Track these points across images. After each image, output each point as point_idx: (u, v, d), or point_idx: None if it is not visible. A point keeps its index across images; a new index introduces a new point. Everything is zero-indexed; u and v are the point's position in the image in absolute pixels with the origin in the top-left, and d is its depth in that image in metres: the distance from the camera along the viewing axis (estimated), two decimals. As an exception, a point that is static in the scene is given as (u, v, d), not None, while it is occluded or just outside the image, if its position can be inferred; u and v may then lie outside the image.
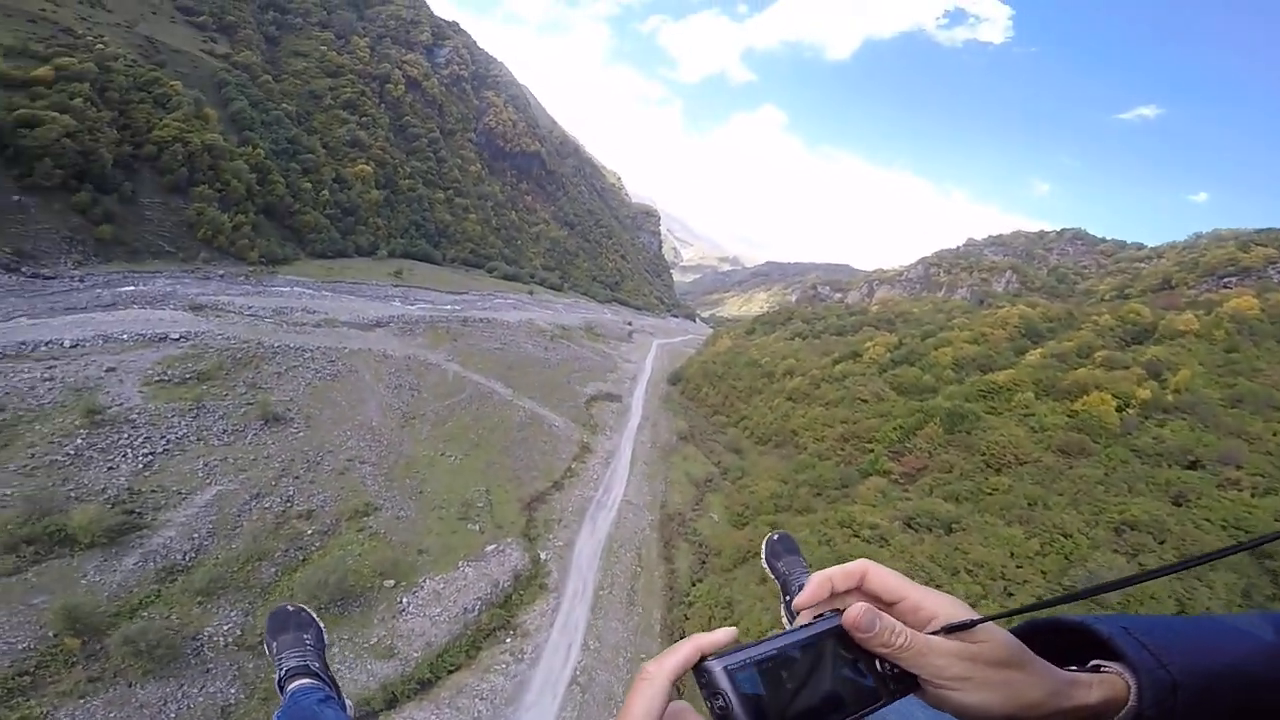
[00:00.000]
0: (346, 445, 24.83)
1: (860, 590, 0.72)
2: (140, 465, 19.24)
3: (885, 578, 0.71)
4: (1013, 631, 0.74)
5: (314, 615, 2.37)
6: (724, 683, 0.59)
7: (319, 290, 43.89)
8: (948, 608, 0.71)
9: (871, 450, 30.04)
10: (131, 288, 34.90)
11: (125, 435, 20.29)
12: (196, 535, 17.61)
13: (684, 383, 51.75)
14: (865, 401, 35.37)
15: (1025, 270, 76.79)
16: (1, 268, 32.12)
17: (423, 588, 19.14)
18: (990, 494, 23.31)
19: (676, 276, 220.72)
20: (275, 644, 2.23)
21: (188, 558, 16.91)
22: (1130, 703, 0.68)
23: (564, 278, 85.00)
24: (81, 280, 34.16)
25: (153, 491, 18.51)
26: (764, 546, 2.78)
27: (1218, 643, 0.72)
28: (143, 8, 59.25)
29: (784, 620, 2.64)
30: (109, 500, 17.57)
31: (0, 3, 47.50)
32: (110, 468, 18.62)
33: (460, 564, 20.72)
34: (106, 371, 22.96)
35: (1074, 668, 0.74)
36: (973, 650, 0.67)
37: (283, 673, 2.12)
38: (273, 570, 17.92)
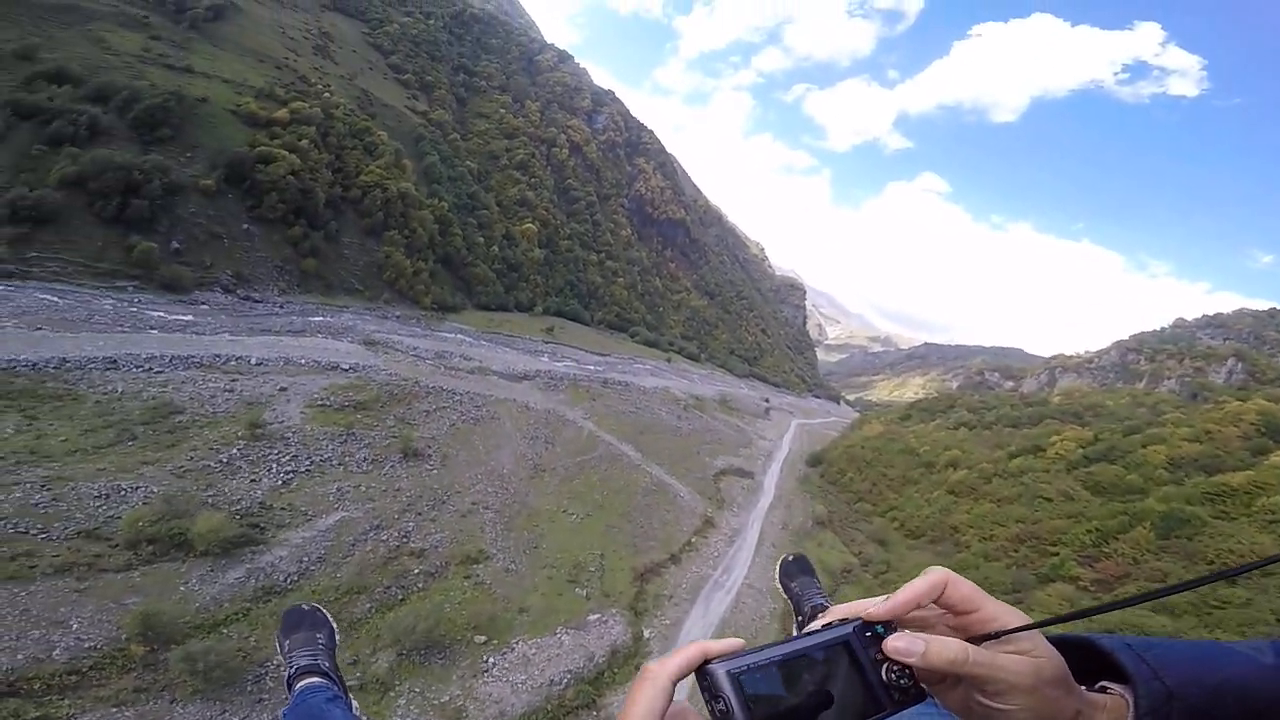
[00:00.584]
0: (474, 489, 25.06)
1: (939, 600, 0.74)
2: (280, 481, 20.03)
3: (963, 589, 0.73)
4: None
5: (328, 615, 2.38)
6: (726, 686, 0.61)
7: (478, 339, 45.76)
8: (1019, 620, 0.73)
9: (1056, 554, 28.65)
10: (320, 318, 37.66)
11: (276, 451, 21.42)
12: (306, 559, 17.63)
13: (825, 465, 49.51)
14: (1049, 500, 33.56)
15: (1253, 357, 66.66)
16: (222, 288, 36.31)
17: (513, 649, 18.12)
18: (1221, 607, 20.70)
19: (820, 355, 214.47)
20: (288, 642, 2.25)
21: (289, 580, 16.76)
22: (1129, 717, 0.70)
23: (702, 348, 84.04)
24: (282, 307, 37.48)
25: (282, 509, 18.97)
26: (778, 567, 2.81)
27: (1215, 662, 0.73)
28: (362, 63, 67.03)
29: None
30: (239, 511, 18.00)
31: (256, 49, 55.10)
32: (253, 480, 19.38)
33: (559, 629, 19.59)
34: (279, 390, 24.80)
35: (1082, 688, 0.76)
36: (1037, 665, 0.69)
37: (292, 671, 2.13)
38: (368, 606, 17.55)
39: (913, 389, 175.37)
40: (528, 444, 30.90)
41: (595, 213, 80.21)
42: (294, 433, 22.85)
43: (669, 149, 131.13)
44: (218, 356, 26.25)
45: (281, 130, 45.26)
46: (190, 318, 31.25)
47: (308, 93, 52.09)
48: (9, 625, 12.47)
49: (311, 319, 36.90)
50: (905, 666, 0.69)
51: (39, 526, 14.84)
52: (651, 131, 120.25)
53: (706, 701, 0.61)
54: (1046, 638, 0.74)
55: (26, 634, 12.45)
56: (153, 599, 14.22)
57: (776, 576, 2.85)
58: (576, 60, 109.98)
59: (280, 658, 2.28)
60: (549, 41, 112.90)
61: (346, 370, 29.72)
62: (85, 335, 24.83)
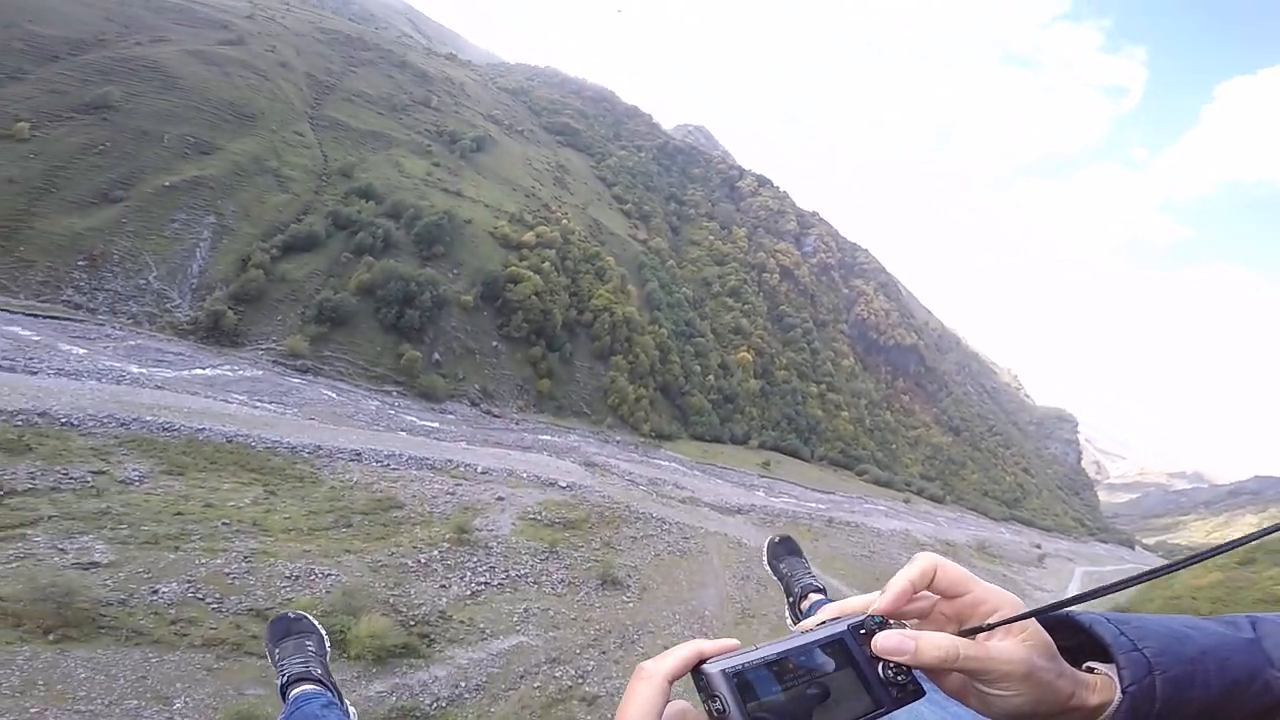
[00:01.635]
0: (670, 629, 23.52)
1: (931, 586, 0.75)
2: (469, 592, 19.66)
3: (952, 573, 0.75)
4: None
5: (315, 622, 2.40)
6: (721, 686, 0.62)
7: (691, 469, 45.44)
8: (1008, 602, 0.75)
9: None
10: (548, 437, 38.92)
11: (475, 559, 21.31)
12: (464, 684, 16.30)
13: (1136, 633, 35.99)
14: None
15: None
16: (469, 400, 38.34)
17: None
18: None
19: (1103, 496, 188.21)
20: (277, 651, 2.27)
21: (435, 706, 15.29)
22: (1116, 695, 0.71)
23: (947, 489, 74.66)
24: (516, 423, 39.03)
25: (461, 622, 18.24)
26: (765, 549, 2.84)
27: (1192, 635, 0.75)
28: (591, 194, 73.28)
29: (788, 621, 2.64)
30: (415, 618, 17.35)
31: (509, 178, 62.12)
32: (443, 585, 19.07)
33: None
34: (496, 499, 25.51)
35: (1073, 670, 0.77)
36: (1030, 646, 0.71)
37: (285, 679, 2.14)
38: (515, 756, 15.65)
39: (1241, 529, 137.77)
40: (736, 584, 29.29)
41: (812, 340, 77.59)
42: (499, 543, 22.89)
43: (890, 269, 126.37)
44: (450, 461, 27.79)
45: (528, 252, 48.65)
46: (436, 424, 33.62)
47: (549, 219, 56.61)
48: (114, 689, 11.43)
49: (540, 437, 38.45)
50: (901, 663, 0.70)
51: (216, 596, 14.60)
52: (866, 250, 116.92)
53: (703, 701, 0.63)
54: (1031, 615, 0.75)
55: (122, 702, 11.37)
56: (272, 696, 11.01)
57: (765, 559, 2.83)
58: (775, 183, 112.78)
59: (272, 667, 2.25)
60: (747, 167, 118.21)
61: (563, 488, 30.30)
62: (345, 429, 28.18)
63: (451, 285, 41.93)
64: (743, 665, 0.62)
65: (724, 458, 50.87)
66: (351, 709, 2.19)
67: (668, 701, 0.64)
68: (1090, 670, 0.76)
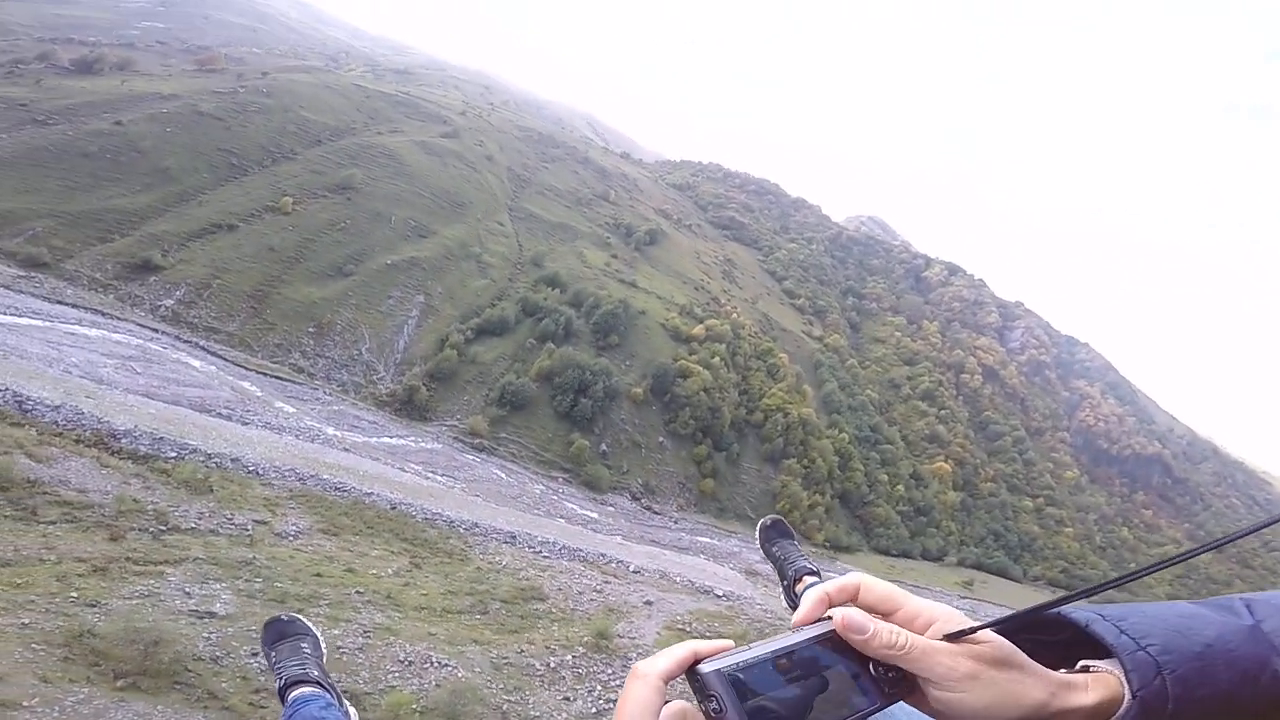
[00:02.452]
0: None
1: (855, 603, 0.75)
2: (593, 710, 17.82)
3: (878, 589, 0.75)
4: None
5: (309, 624, 2.49)
6: (717, 685, 0.63)
7: None
8: (944, 615, 0.74)
9: None
10: (707, 539, 37.46)
11: (610, 671, 19.66)
12: None
13: None
14: None
15: None
16: (630, 494, 37.69)
17: None
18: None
19: None
20: (273, 654, 2.33)
21: None
22: (1126, 697, 0.69)
23: None
24: (675, 522, 37.97)
25: None
26: (757, 532, 2.89)
27: (1193, 626, 0.73)
28: (760, 289, 72.84)
29: (784, 603, 2.68)
30: None
31: (680, 271, 63.72)
32: (566, 698, 17.20)
33: None
34: (644, 603, 24.14)
35: (1063, 670, 0.76)
36: (976, 650, 0.70)
37: (282, 682, 2.18)
38: None
39: None
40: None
41: (1025, 450, 69.56)
42: (639, 654, 20.58)
43: (1117, 365, 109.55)
44: (603, 556, 27.03)
45: (698, 345, 48.48)
46: (595, 515, 33.19)
47: (719, 312, 56.62)
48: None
49: (699, 538, 37.05)
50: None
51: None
52: (1087, 345, 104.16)
53: (699, 702, 0.64)
54: (1017, 616, 0.74)
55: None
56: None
57: (757, 542, 2.88)
58: (967, 270, 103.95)
59: (269, 669, 2.28)
60: (933, 256, 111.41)
61: (719, 597, 28.73)
62: (506, 509, 28.29)
63: (624, 376, 42.42)
64: (738, 664, 0.64)
65: (915, 575, 46.30)
66: (351, 710, 2.19)
67: (665, 702, 0.66)
68: (1086, 669, 0.74)
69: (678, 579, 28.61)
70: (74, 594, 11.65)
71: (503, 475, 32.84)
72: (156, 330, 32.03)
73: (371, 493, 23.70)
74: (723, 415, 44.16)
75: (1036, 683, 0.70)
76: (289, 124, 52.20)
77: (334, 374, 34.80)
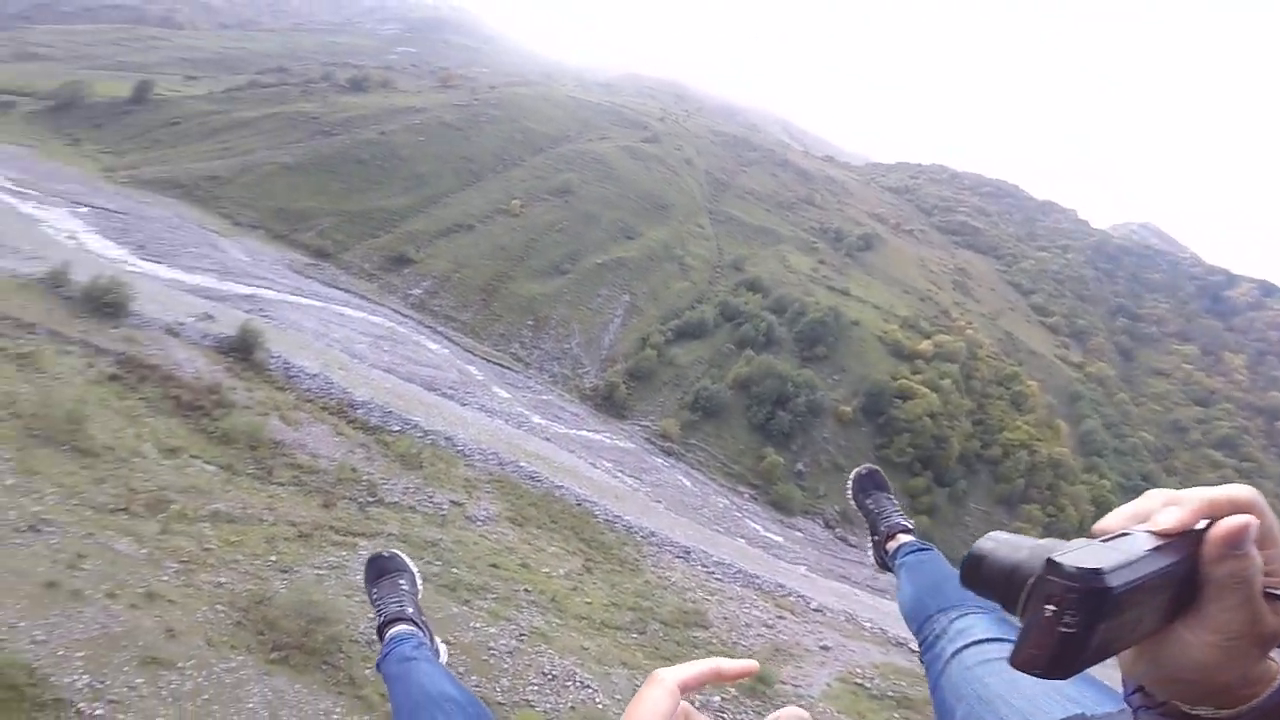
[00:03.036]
0: None
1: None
2: None
3: (1270, 519, 0.61)
4: None
5: (408, 560, 2.55)
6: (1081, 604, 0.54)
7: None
8: None
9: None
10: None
11: None
12: None
13: None
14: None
15: None
16: (823, 521, 35.11)
17: None
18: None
19: None
20: (375, 590, 2.41)
21: None
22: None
23: None
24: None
25: None
26: (850, 481, 2.78)
27: None
28: (1002, 303, 63.88)
29: (871, 558, 2.57)
30: None
31: (901, 279, 58.58)
32: None
33: None
34: (820, 648, 22.46)
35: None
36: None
37: (382, 619, 2.28)
38: None
39: None
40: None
41: None
42: (801, 706, 16.12)
43: None
44: (781, 587, 25.31)
45: (924, 365, 43.11)
46: (780, 539, 31.02)
47: (950, 328, 50.10)
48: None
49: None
50: None
51: (460, 670, 12.93)
52: None
53: (1038, 606, 0.54)
54: None
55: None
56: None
57: (849, 492, 2.76)
58: None
59: (370, 605, 2.38)
60: (1237, 272, 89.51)
61: (915, 651, 22.77)
62: (685, 520, 27.54)
63: (830, 392, 39.53)
64: (1120, 584, 0.53)
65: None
66: (441, 646, 2.27)
67: (678, 705, 0.66)
68: None
69: (867, 625, 26.17)
70: (274, 557, 12.35)
71: (688, 483, 32.22)
72: (405, 315, 36.67)
73: (562, 486, 24.23)
74: (950, 446, 39.03)
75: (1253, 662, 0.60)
76: (516, 133, 57.76)
77: (546, 365, 37.28)
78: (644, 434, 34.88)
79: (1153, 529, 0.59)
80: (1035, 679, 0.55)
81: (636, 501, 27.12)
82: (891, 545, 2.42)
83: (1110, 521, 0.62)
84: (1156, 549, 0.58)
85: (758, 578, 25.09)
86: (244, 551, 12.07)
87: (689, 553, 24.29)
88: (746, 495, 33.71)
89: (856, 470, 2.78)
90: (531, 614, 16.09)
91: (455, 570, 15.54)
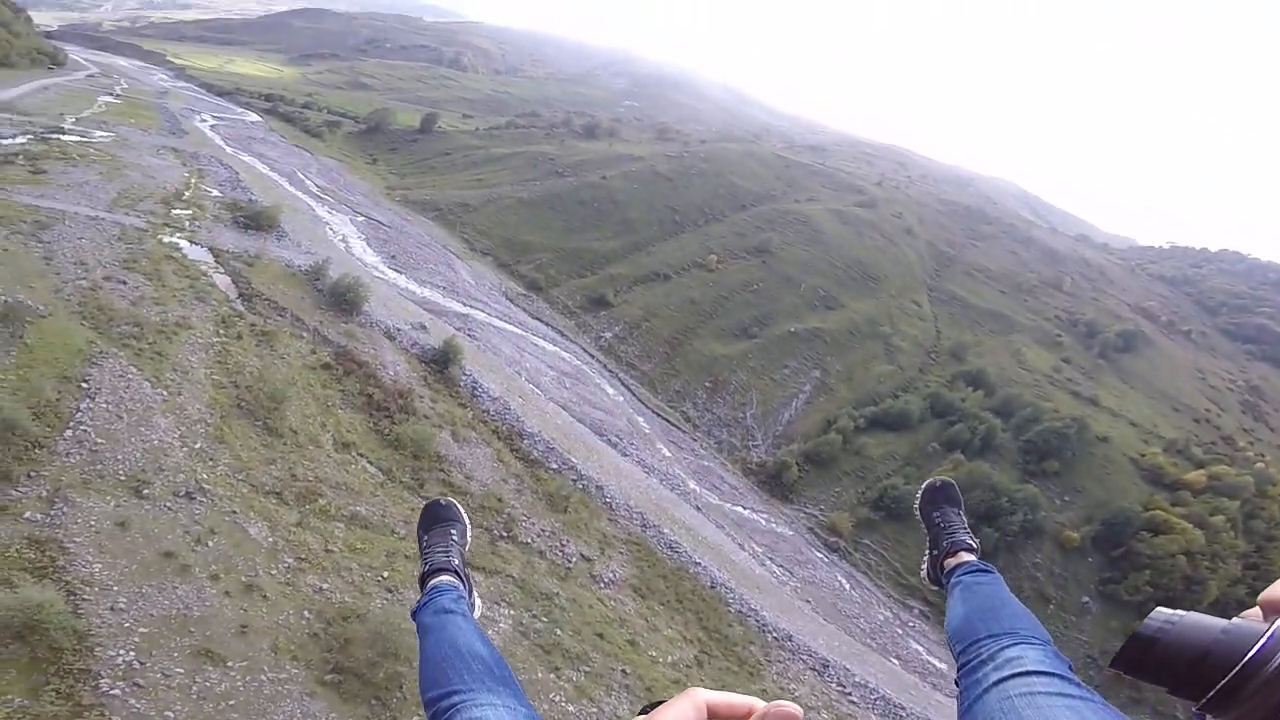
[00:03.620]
0: None
1: None
2: None
3: None
4: None
5: (462, 511, 2.56)
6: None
7: None
8: None
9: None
10: None
11: None
12: None
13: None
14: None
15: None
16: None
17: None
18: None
19: None
20: (426, 537, 2.43)
21: None
22: None
23: None
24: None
25: None
26: (921, 491, 2.73)
27: None
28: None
29: (923, 574, 2.55)
30: None
31: (1170, 393, 47.62)
32: None
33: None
34: None
35: None
36: None
37: (426, 568, 2.30)
38: None
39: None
40: None
41: None
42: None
43: None
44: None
45: (1190, 497, 34.69)
46: (944, 668, 26.61)
47: (1234, 458, 39.94)
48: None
49: None
50: None
51: None
52: None
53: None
54: None
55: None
56: None
57: (917, 503, 2.71)
58: None
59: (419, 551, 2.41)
60: None
61: None
62: (833, 628, 24.74)
63: (1056, 513, 32.63)
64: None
65: None
66: (478, 600, 2.29)
67: None
68: None
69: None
70: (386, 574, 12.14)
71: (846, 586, 28.56)
72: (592, 355, 37.75)
73: (700, 564, 22.37)
74: (1205, 590, 30.76)
75: None
76: (721, 188, 58.27)
77: (715, 430, 35.58)
78: (808, 523, 31.50)
79: None
80: None
81: (779, 597, 24.49)
82: (950, 562, 2.28)
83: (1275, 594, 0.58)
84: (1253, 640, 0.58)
85: (903, 710, 21.56)
86: (361, 561, 11.98)
87: (827, 666, 21.61)
88: (916, 611, 29.12)
89: (930, 481, 2.68)
90: (619, 700, 14.61)
91: (559, 631, 14.57)
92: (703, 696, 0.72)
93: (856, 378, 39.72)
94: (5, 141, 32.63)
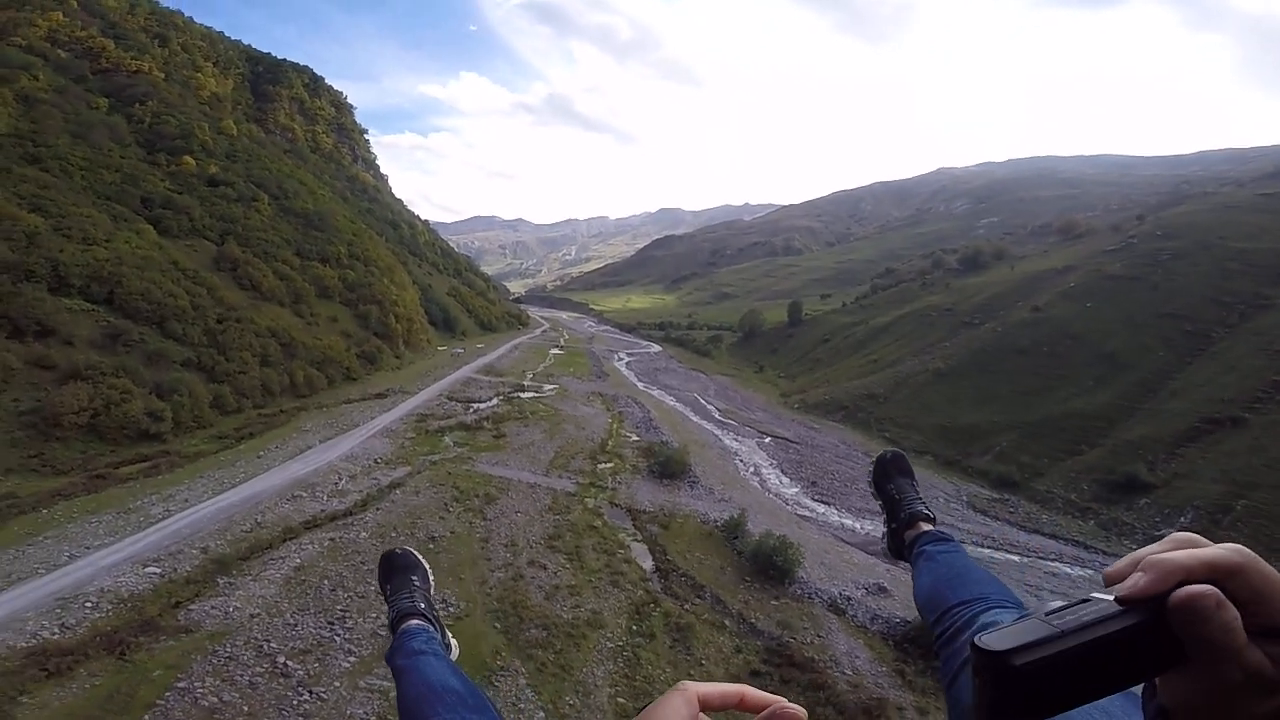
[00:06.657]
0: None
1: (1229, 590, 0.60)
2: None
3: (1259, 575, 0.59)
4: None
5: (420, 557, 2.59)
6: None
7: None
8: None
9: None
10: None
11: None
12: None
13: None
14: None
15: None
16: None
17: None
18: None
19: None
20: (388, 587, 2.47)
21: None
22: None
23: None
24: None
25: None
26: (873, 465, 2.69)
27: None
28: None
29: (882, 545, 2.49)
30: None
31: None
32: None
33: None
34: None
35: None
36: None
37: (394, 615, 2.35)
38: None
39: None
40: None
41: None
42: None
43: None
44: None
45: None
46: None
47: None
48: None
49: None
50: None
51: None
52: None
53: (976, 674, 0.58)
54: None
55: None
56: None
57: (870, 477, 2.69)
58: None
59: (385, 601, 2.44)
60: None
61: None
62: None
63: None
64: (1038, 658, 0.56)
65: None
66: (453, 640, 2.30)
67: (696, 717, 0.72)
68: None
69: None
70: None
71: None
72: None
73: None
74: None
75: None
76: (1228, 260, 40.95)
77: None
78: None
79: (1118, 593, 0.60)
80: None
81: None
82: (910, 534, 2.27)
83: (1119, 566, 0.63)
84: (1118, 614, 0.59)
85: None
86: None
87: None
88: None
89: (881, 454, 2.67)
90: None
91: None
92: (693, 690, 0.73)
93: None
94: (483, 405, 37.43)
